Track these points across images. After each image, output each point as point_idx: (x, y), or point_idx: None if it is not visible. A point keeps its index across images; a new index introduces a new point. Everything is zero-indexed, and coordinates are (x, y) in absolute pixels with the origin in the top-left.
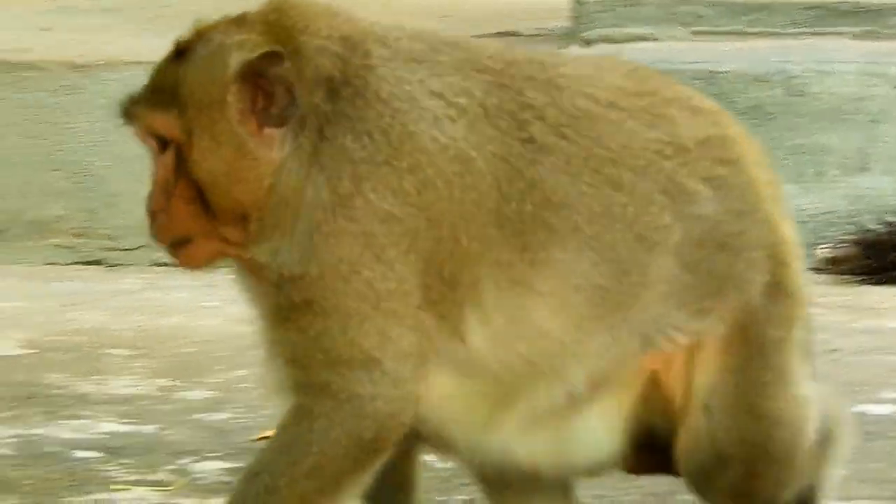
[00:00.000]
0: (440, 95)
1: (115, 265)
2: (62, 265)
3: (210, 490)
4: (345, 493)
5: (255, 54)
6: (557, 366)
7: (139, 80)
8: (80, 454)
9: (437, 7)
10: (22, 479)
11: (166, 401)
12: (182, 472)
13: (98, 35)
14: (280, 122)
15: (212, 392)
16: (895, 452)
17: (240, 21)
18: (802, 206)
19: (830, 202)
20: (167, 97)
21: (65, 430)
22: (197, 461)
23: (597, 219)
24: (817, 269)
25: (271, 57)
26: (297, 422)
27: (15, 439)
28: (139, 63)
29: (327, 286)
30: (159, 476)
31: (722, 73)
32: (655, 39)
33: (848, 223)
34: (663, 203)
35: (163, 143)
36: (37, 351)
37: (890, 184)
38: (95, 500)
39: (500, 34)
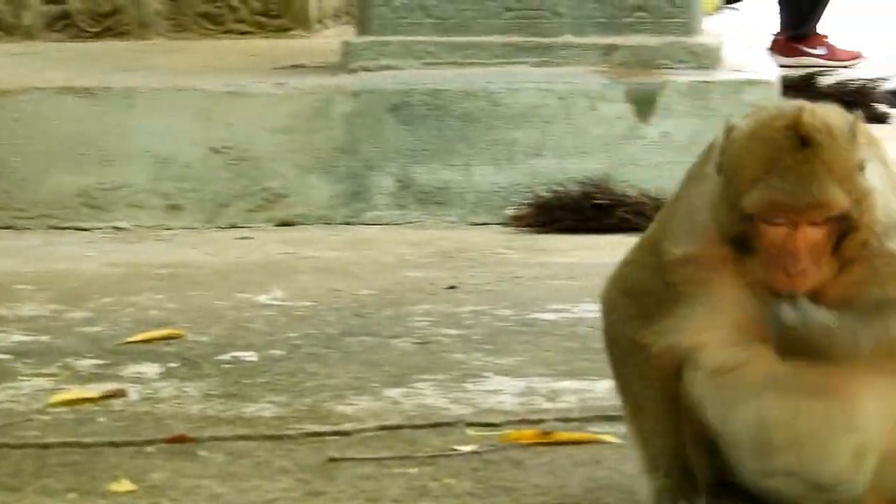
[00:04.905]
0: None
1: (23, 229)
2: None
3: (86, 378)
4: None
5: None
6: None
7: (45, 101)
8: None
9: (248, 48)
10: None
11: (57, 319)
12: (67, 366)
13: (12, 70)
14: None
15: (89, 313)
16: (559, 345)
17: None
18: (497, 181)
19: (517, 178)
20: (829, 180)
21: None
22: (77, 359)
23: None
24: (507, 224)
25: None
26: None
27: None
28: (42, 89)
29: None
30: (51, 370)
31: (444, 90)
32: (399, 68)
33: (528, 192)
34: None
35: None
36: None
37: (556, 165)
38: (7, 387)
39: (292, 67)
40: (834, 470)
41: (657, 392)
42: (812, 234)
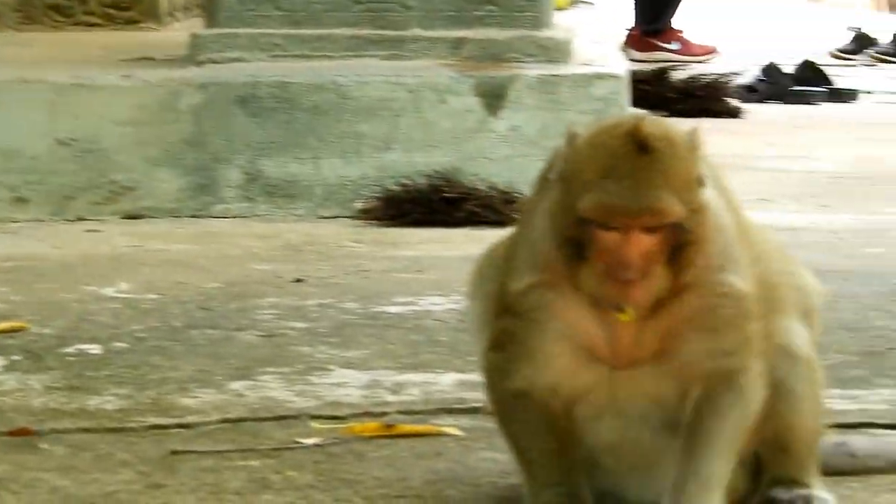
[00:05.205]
0: None
1: None
2: None
3: None
4: None
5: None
6: None
7: None
8: None
9: (97, 41)
10: None
11: None
12: None
13: None
14: None
15: None
16: (404, 338)
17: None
18: (346, 175)
19: (365, 171)
20: (665, 187)
21: None
22: None
23: None
24: (355, 217)
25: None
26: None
27: None
28: None
29: None
30: None
31: (292, 83)
32: (247, 61)
33: (376, 185)
34: None
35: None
36: None
37: (405, 159)
38: None
39: (140, 59)
40: (657, 492)
41: (543, 436)
42: (645, 241)
